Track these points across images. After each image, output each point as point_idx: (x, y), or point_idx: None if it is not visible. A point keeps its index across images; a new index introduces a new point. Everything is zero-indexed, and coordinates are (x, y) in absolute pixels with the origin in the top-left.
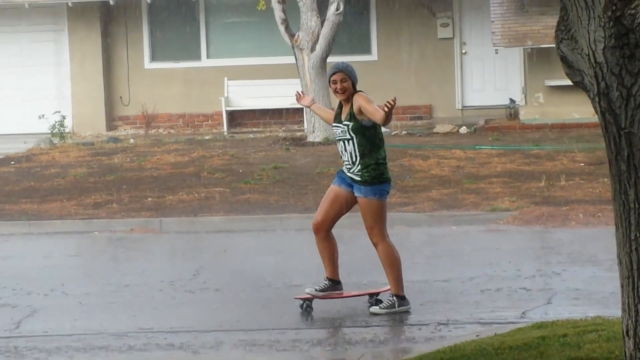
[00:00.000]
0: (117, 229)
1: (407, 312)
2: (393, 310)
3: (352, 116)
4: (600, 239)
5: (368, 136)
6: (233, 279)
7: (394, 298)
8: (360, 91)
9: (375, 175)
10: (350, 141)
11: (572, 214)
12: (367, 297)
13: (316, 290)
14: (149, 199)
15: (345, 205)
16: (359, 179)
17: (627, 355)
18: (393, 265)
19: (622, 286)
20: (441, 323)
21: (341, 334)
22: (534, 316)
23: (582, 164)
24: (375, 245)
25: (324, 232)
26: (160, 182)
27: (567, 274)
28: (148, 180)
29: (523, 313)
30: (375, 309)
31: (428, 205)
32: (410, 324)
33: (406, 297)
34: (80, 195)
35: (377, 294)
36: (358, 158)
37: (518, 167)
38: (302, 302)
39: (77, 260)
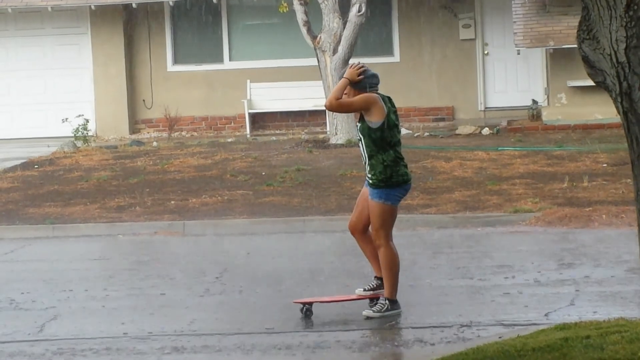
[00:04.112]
0: (141, 232)
1: (399, 315)
2: (386, 313)
3: (361, 117)
4: (624, 240)
5: (374, 138)
6: (256, 281)
7: (387, 301)
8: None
9: (382, 178)
10: (361, 142)
11: (595, 215)
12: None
13: (365, 290)
14: (172, 202)
15: None
16: (369, 181)
17: None
18: (392, 270)
19: None
20: (464, 325)
21: (364, 335)
22: (556, 318)
23: (605, 165)
24: (378, 247)
25: (359, 233)
26: (184, 185)
27: (590, 275)
28: (171, 183)
29: (546, 315)
30: (368, 312)
31: (451, 206)
32: (433, 326)
33: (398, 301)
34: (104, 198)
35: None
36: (366, 159)
37: (541, 168)
38: (302, 306)
39: (100, 264)
